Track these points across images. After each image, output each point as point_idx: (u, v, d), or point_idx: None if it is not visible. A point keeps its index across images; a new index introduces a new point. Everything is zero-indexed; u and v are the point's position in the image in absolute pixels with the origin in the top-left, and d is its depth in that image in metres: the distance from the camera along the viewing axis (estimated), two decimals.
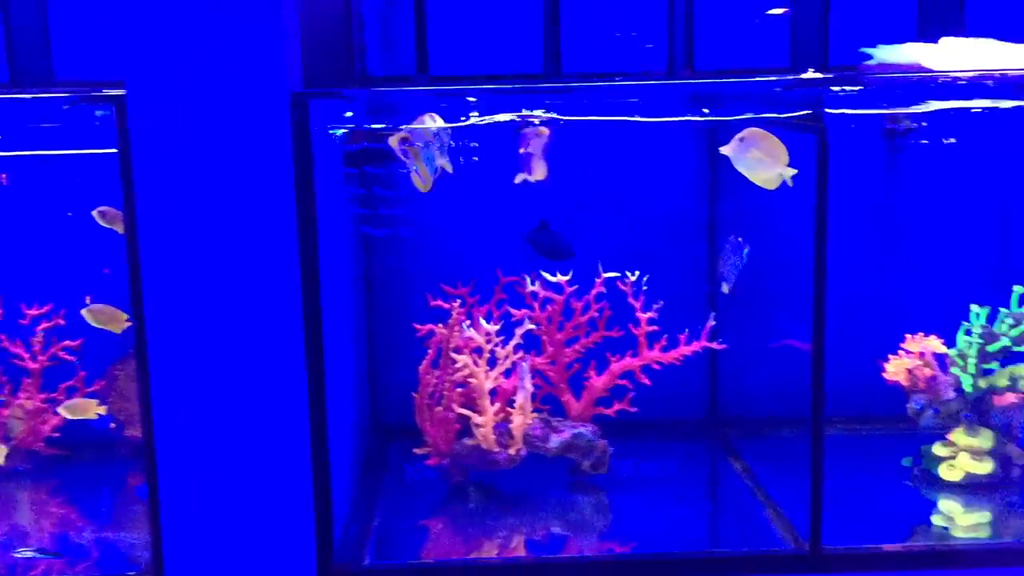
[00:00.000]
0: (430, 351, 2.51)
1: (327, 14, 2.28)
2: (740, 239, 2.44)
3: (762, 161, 2.08)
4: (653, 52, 2.87)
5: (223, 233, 1.97)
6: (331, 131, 2.18)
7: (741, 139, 2.11)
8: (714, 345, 2.56)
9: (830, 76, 2.02)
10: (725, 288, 2.43)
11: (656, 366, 2.57)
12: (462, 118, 2.11)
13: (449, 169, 2.14)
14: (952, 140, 2.70)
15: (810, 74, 2.08)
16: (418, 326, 2.58)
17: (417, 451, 2.54)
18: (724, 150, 2.15)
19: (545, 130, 2.22)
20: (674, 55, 2.84)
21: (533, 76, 2.79)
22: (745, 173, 2.14)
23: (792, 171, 2.11)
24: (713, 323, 2.56)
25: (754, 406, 2.80)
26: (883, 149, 2.85)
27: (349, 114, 2.29)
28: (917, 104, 2.57)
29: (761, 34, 2.90)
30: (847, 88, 1.99)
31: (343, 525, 2.25)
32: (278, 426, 2.05)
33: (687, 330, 2.57)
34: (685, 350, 2.56)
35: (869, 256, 2.82)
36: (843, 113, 2.02)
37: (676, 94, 2.38)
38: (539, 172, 2.26)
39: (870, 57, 2.73)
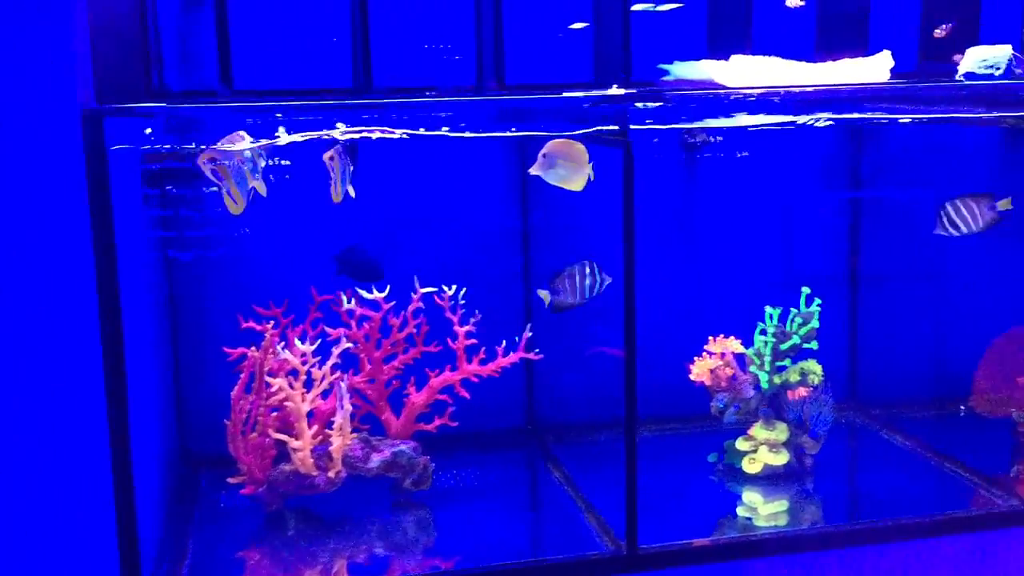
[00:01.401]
0: (242, 375, 2.42)
1: (120, 26, 2.15)
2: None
3: (568, 169, 2.15)
4: (462, 65, 2.90)
5: (15, 259, 1.83)
6: (128, 149, 2.07)
7: (544, 155, 2.17)
8: (531, 356, 2.61)
9: (634, 92, 2.10)
10: (546, 296, 2.47)
11: (475, 379, 2.59)
12: (276, 135, 2.04)
13: (263, 191, 2.07)
14: (745, 153, 2.88)
15: (614, 90, 2.16)
16: (229, 350, 2.48)
17: (231, 480, 2.45)
18: (533, 171, 2.21)
19: (328, 154, 2.17)
20: (483, 69, 2.88)
21: (344, 91, 2.74)
22: (556, 184, 2.20)
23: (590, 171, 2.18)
24: (529, 334, 2.61)
25: (571, 412, 2.88)
26: (682, 161, 3.01)
27: (148, 131, 2.18)
28: (714, 118, 2.73)
29: (566, 49, 2.99)
30: (648, 104, 2.08)
31: (152, 566, 2.13)
32: (76, 461, 1.92)
33: (504, 342, 2.61)
34: (503, 362, 2.59)
35: (673, 263, 2.96)
36: (647, 128, 2.11)
37: (486, 110, 2.41)
38: (335, 195, 2.21)
39: (667, 73, 2.88)
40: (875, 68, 2.77)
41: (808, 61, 2.83)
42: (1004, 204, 2.47)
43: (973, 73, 2.50)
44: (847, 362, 3.13)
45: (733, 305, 2.87)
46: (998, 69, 2.45)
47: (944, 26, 2.97)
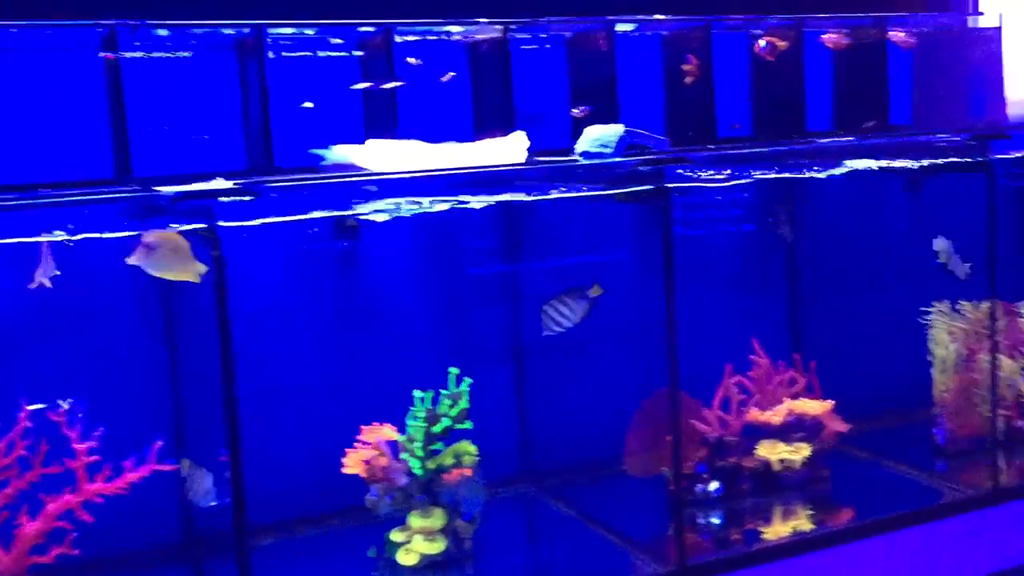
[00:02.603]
0: None
1: None
2: None
3: (170, 259, 2.03)
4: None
5: None
6: None
7: (144, 244, 2.04)
8: (164, 467, 2.41)
9: (220, 189, 2.01)
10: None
11: (99, 500, 2.36)
12: None
13: None
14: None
15: (199, 186, 2.05)
16: None
17: None
18: (130, 260, 2.06)
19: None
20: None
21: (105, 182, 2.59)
22: (161, 275, 2.07)
23: (202, 267, 2.08)
24: (160, 444, 2.42)
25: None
26: (339, 248, 2.95)
27: None
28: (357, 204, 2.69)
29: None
30: (241, 197, 1.99)
31: None
32: None
33: (133, 456, 2.41)
34: (131, 477, 2.38)
35: (324, 351, 2.88)
36: (245, 224, 2.02)
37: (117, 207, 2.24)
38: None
39: (321, 158, 2.82)
40: (512, 148, 2.84)
41: (468, 141, 2.90)
42: (594, 291, 2.67)
43: (588, 152, 2.62)
44: (518, 435, 3.16)
45: (393, 392, 2.81)
46: (609, 147, 2.58)
47: (582, 108, 3.12)
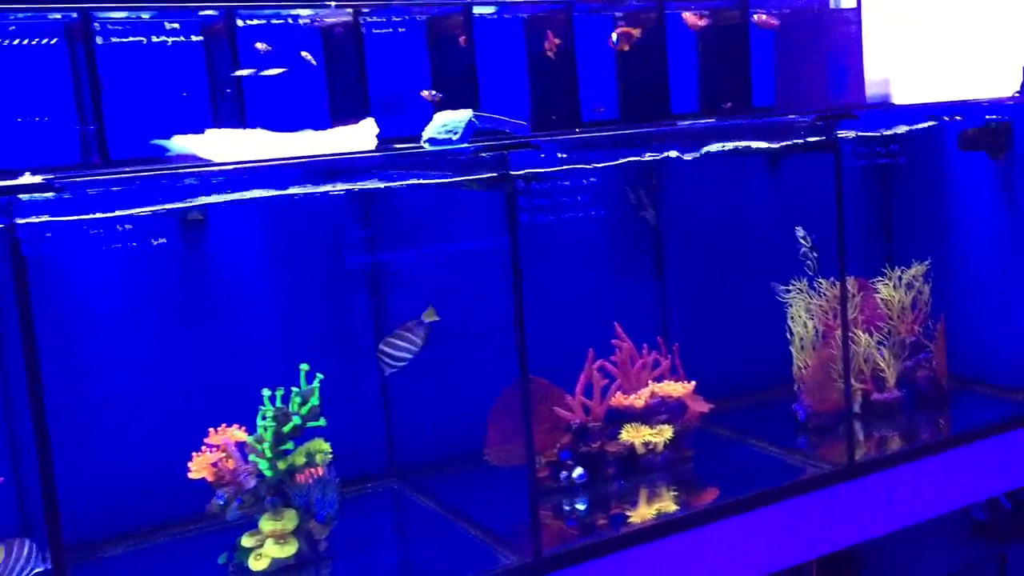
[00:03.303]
0: None
1: None
2: None
3: None
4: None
5: None
6: None
7: None
8: None
9: (26, 184, 1.88)
10: None
11: None
12: None
13: None
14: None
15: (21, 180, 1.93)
16: None
17: None
18: None
19: None
20: None
21: None
22: None
23: None
24: None
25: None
26: (183, 243, 2.82)
27: None
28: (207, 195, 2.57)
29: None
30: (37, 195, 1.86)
31: None
32: None
33: None
34: None
35: (168, 353, 2.76)
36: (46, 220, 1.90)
37: None
38: None
39: (164, 149, 2.69)
40: (360, 136, 2.76)
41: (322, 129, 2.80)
42: (428, 315, 2.67)
43: (435, 138, 2.56)
44: (383, 430, 3.09)
45: (245, 393, 2.70)
46: (456, 133, 2.53)
47: (434, 93, 3.06)
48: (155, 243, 2.29)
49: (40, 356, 1.85)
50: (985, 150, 3.47)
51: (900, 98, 3.84)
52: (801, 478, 2.93)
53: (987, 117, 3.49)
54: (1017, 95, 3.40)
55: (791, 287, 3.29)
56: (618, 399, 3.06)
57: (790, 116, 3.04)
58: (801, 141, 2.92)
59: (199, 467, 2.49)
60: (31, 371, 1.83)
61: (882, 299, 3.46)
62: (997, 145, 3.47)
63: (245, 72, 2.89)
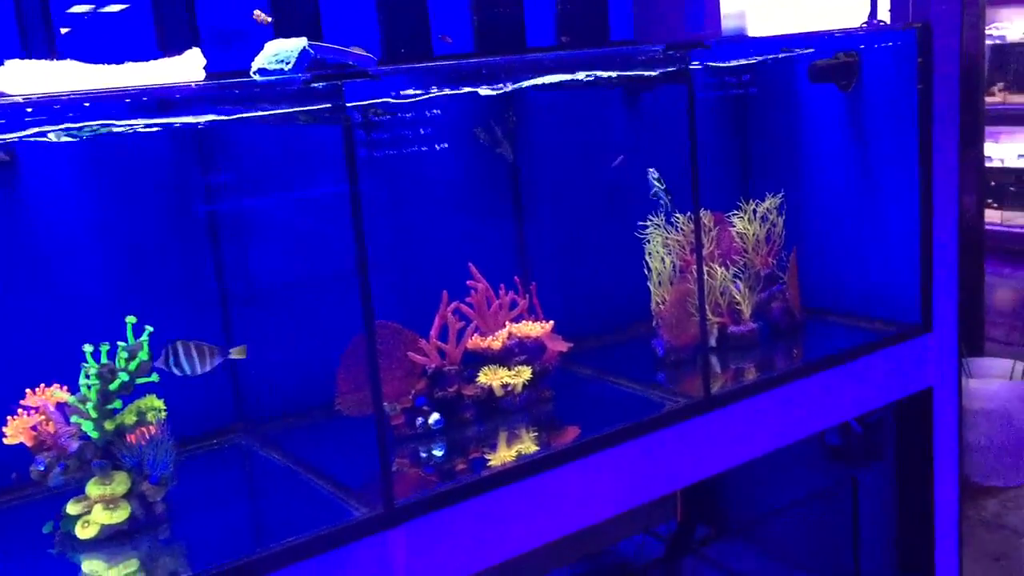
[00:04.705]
0: None
1: None
2: None
3: None
4: None
5: None
6: None
7: None
8: None
9: None
10: None
11: None
12: None
13: None
14: None
15: None
16: None
17: None
18: None
19: None
20: None
21: None
22: None
23: None
24: None
25: None
26: None
27: None
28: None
29: None
30: None
31: None
32: None
33: None
34: None
35: None
36: None
37: None
38: None
39: None
40: (185, 68, 2.55)
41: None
42: (237, 352, 2.49)
43: (265, 69, 2.38)
44: (228, 383, 2.93)
45: (68, 351, 2.50)
46: (288, 64, 2.35)
47: (263, 15, 2.86)
48: None
49: None
50: (834, 82, 3.50)
51: (755, 31, 3.84)
52: (660, 412, 2.92)
53: (836, 50, 3.52)
54: (865, 26, 3.43)
55: (649, 223, 3.26)
56: (475, 341, 2.97)
57: (644, 47, 2.97)
58: (654, 73, 2.86)
59: (16, 432, 2.29)
60: None
61: (738, 233, 3.48)
62: (846, 77, 3.51)
63: (83, 8, 2.63)
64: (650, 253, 3.22)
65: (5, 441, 2.29)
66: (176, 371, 2.40)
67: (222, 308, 2.91)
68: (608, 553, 4.11)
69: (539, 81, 2.89)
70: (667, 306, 3.18)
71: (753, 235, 3.45)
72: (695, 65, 2.81)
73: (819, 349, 3.43)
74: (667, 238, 3.23)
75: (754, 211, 3.47)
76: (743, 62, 3.21)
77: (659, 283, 3.20)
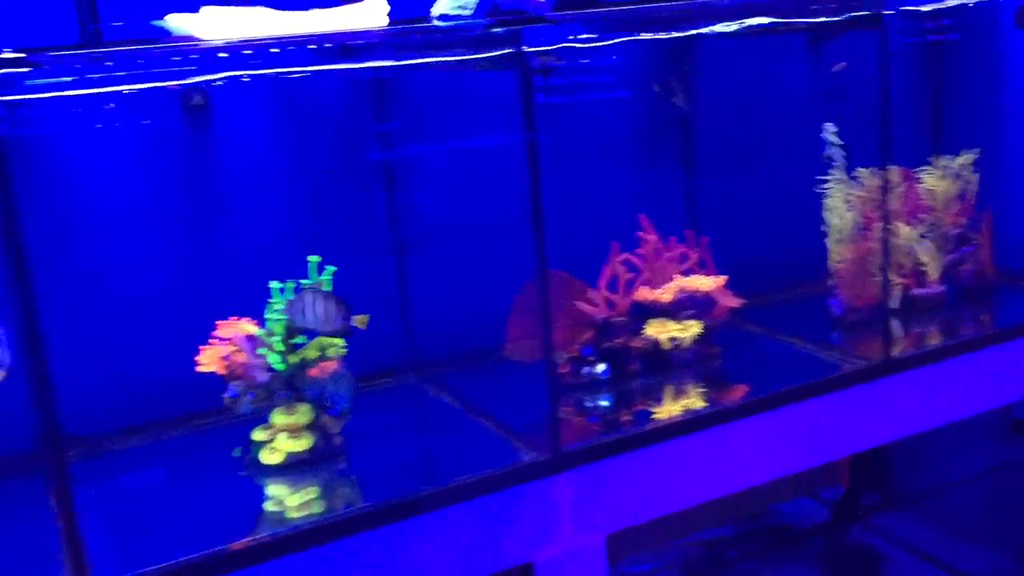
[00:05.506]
0: None
1: None
2: None
3: None
4: None
5: None
6: None
7: None
8: None
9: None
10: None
11: None
12: None
13: None
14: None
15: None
16: None
17: None
18: None
19: None
20: None
21: None
22: None
23: None
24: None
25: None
26: (185, 126, 2.71)
27: None
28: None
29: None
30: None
31: None
32: None
33: None
34: None
35: (173, 245, 2.67)
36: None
37: None
38: None
39: (164, 30, 2.56)
40: (369, 14, 2.60)
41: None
42: (360, 321, 2.43)
43: (446, 15, 2.40)
44: (400, 325, 3.01)
45: (256, 285, 2.62)
46: (468, 9, 2.36)
47: None
48: (150, 123, 2.19)
49: (34, 244, 1.76)
50: None
51: None
52: (834, 374, 2.82)
53: None
54: None
55: (830, 177, 3.12)
56: (643, 293, 2.94)
57: None
58: (840, 18, 2.71)
59: (209, 360, 2.43)
60: (17, 265, 1.74)
61: (927, 190, 3.28)
62: None
63: None
64: (829, 209, 3.09)
65: (198, 369, 2.44)
66: (298, 320, 2.44)
67: (396, 252, 3.00)
68: (768, 514, 4.02)
69: (717, 29, 2.79)
70: (846, 264, 3.04)
71: (944, 193, 3.24)
72: (889, 11, 2.64)
73: (1012, 316, 3.21)
74: (849, 193, 3.08)
75: (946, 167, 3.26)
76: (942, 6, 3.00)
77: (838, 240, 3.06)
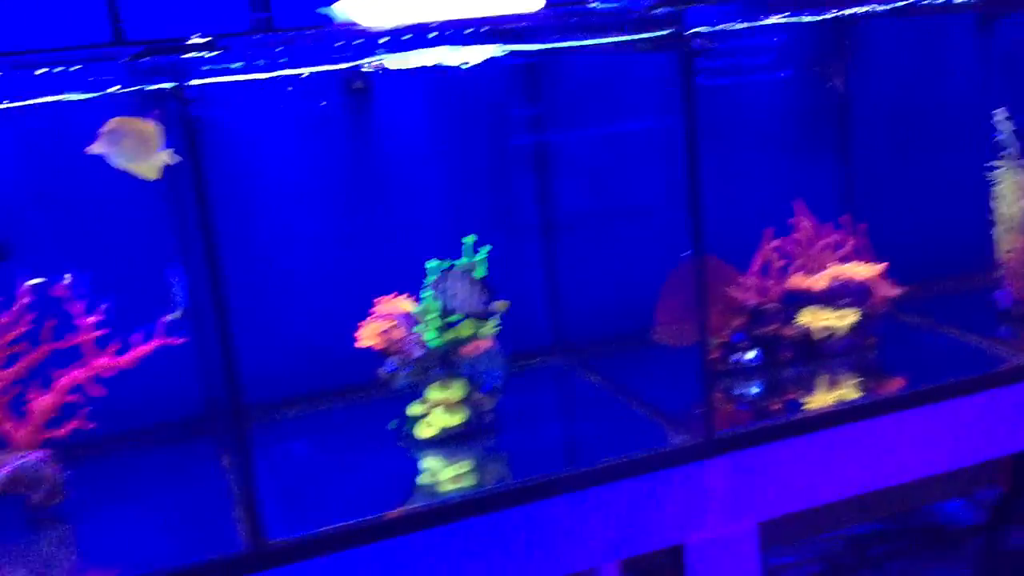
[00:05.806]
0: None
1: None
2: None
3: (137, 150, 1.91)
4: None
5: None
6: None
7: (107, 132, 1.92)
8: (173, 341, 2.37)
9: (194, 43, 1.87)
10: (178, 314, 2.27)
11: (109, 373, 2.33)
12: None
13: None
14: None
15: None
16: None
17: None
18: (92, 149, 1.95)
19: None
20: None
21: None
22: (125, 167, 1.96)
23: (170, 156, 1.96)
24: (172, 317, 2.37)
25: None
26: (346, 110, 2.80)
27: None
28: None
29: None
30: (205, 53, 1.84)
31: None
32: None
33: (142, 330, 2.36)
34: (140, 351, 2.34)
35: (337, 223, 2.77)
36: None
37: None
38: None
39: (329, 18, 2.66)
40: None
41: None
42: (500, 306, 2.45)
43: None
44: (548, 307, 3.04)
45: (412, 264, 2.69)
46: None
47: None
48: (315, 107, 2.27)
49: (217, 222, 1.87)
50: None
51: None
52: (999, 368, 2.69)
53: None
54: None
55: (998, 163, 2.97)
56: (797, 280, 2.88)
57: None
58: None
59: (368, 335, 2.52)
60: (207, 237, 1.85)
61: None
62: None
63: None
64: (998, 196, 2.94)
65: (357, 344, 2.53)
66: (441, 299, 2.49)
67: (544, 233, 3.03)
68: (918, 513, 3.88)
69: (880, 8, 2.70)
70: (1016, 255, 2.89)
71: None
72: None
73: None
74: (1020, 181, 2.92)
75: None
76: None
77: (1008, 229, 2.92)
